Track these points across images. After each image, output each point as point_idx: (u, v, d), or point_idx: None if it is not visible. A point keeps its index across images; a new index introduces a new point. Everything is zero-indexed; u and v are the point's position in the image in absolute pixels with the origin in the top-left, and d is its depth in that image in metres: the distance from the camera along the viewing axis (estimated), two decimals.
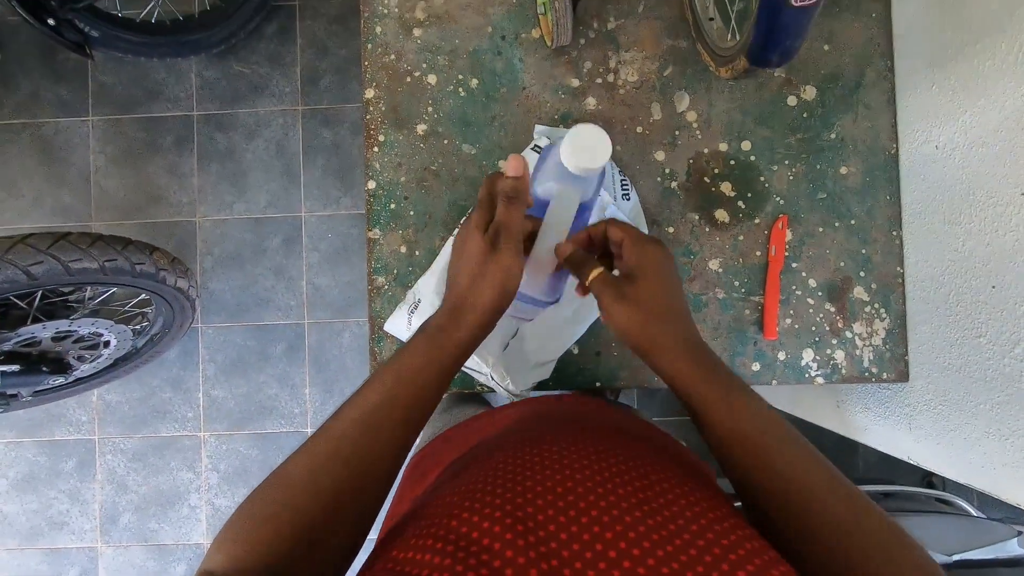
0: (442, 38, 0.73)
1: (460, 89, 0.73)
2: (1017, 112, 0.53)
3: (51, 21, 1.20)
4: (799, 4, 0.44)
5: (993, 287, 0.57)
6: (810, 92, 0.72)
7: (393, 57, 0.73)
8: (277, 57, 1.60)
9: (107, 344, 1.28)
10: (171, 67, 1.59)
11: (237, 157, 1.59)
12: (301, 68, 1.60)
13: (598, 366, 0.72)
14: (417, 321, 0.67)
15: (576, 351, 0.72)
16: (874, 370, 0.70)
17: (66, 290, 1.17)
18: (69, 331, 1.15)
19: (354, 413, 0.39)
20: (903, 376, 0.70)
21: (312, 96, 1.60)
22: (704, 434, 0.41)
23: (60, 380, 1.25)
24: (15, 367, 1.07)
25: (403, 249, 0.72)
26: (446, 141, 0.72)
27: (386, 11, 0.73)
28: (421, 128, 0.73)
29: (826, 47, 0.71)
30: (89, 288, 1.21)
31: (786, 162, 0.71)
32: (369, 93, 0.73)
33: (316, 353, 1.56)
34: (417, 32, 0.73)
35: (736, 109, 0.72)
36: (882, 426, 0.76)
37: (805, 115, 0.72)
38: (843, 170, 0.71)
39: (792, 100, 0.72)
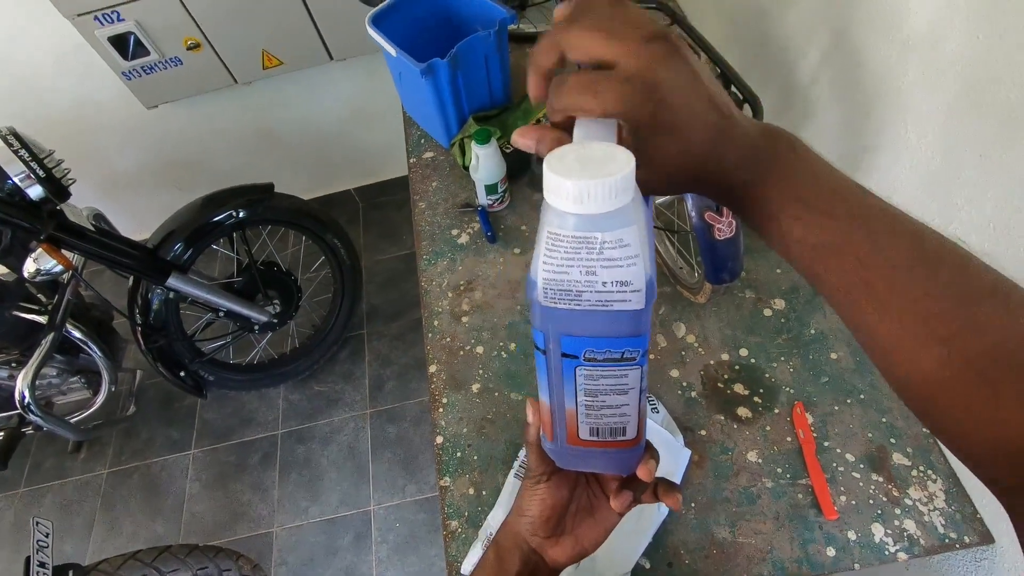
0: (484, 320, 0.96)
1: (502, 352, 0.92)
2: None
3: (182, 373, 1.53)
4: (722, 238, 0.64)
5: None
6: (780, 303, 0.89)
7: (448, 339, 0.95)
8: (349, 374, 1.91)
9: None
10: (263, 396, 1.89)
11: (313, 464, 1.75)
12: (369, 379, 1.89)
13: None
14: None
15: (648, 565, 0.73)
16: (953, 535, 0.69)
17: None
18: None
19: None
20: (987, 537, 0.68)
21: (378, 399, 1.84)
22: None
23: None
24: None
25: (471, 491, 0.81)
26: (496, 393, 0.88)
27: (440, 310, 0.99)
28: (476, 387, 0.90)
29: (778, 270, 0.91)
30: None
31: (782, 358, 0.84)
32: (432, 368, 0.93)
33: None
34: (465, 319, 0.96)
35: (726, 326, 0.88)
36: None
37: (783, 320, 0.87)
38: (833, 355, 0.83)
39: (768, 311, 0.88)
